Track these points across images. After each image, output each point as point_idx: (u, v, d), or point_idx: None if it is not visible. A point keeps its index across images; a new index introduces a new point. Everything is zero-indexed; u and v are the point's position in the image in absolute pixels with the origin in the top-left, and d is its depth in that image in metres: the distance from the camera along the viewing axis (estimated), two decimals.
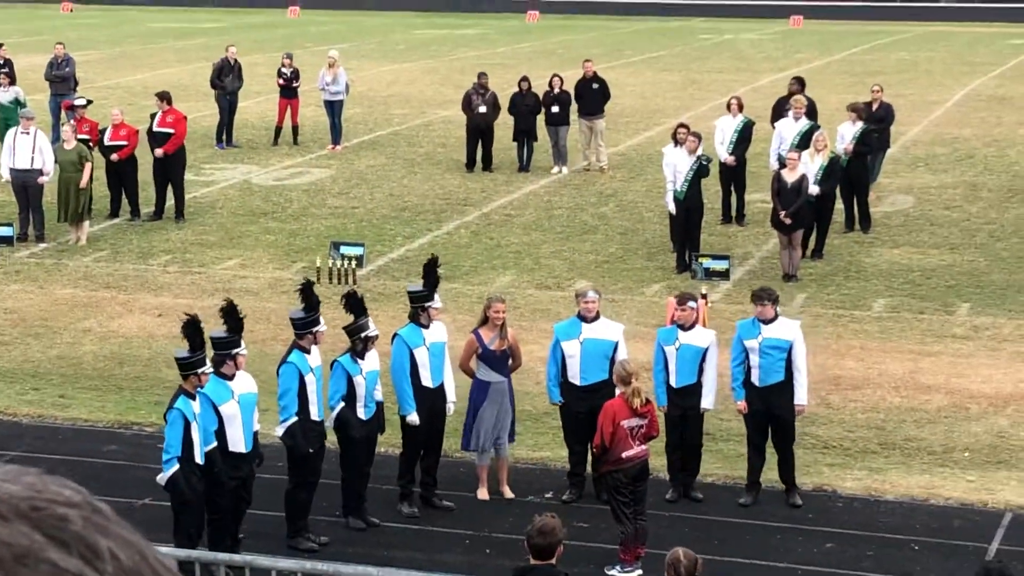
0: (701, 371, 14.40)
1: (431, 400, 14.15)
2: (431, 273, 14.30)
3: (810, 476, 14.89)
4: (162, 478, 12.34)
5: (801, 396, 14.32)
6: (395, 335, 14.21)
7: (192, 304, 20.70)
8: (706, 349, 14.41)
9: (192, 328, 12.55)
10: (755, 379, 14.32)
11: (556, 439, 15.50)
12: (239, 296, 20.66)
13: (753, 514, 14.09)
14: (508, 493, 14.55)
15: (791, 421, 14.37)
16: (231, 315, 13.02)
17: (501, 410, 14.44)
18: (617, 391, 13.37)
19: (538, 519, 9.22)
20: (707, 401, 14.46)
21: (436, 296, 14.24)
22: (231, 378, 12.83)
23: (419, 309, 14.19)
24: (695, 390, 14.38)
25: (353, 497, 13.84)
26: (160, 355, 18.77)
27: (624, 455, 12.97)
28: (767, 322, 14.32)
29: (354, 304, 13.77)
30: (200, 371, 12.44)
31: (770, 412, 14.31)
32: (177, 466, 12.18)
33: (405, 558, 13.06)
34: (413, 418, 14.01)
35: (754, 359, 14.31)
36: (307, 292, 13.65)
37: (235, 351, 12.88)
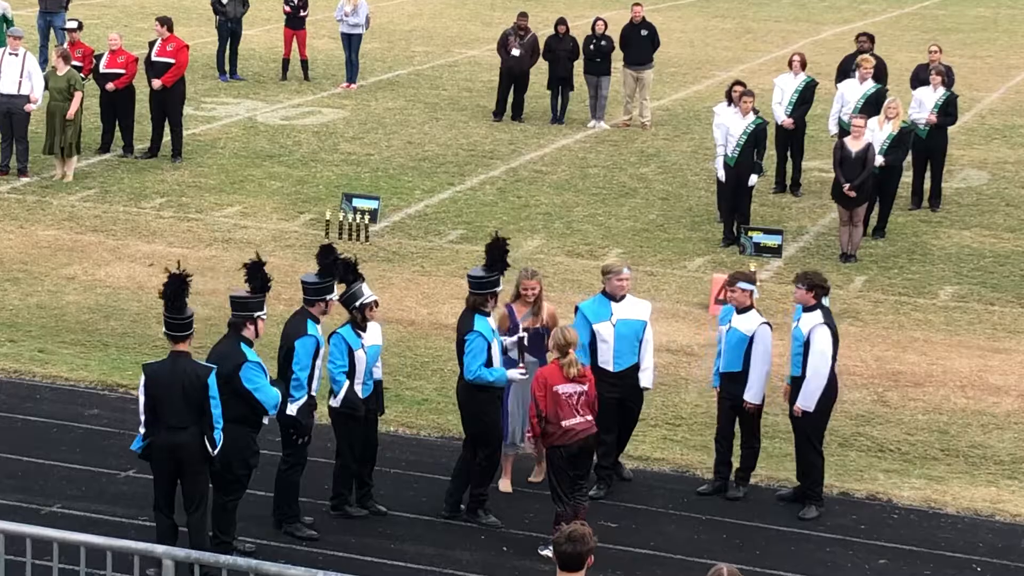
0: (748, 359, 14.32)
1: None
2: (498, 256, 13.63)
3: (864, 483, 14.81)
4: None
5: (751, 393, 14.24)
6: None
7: (187, 255, 20.68)
8: (751, 336, 14.28)
9: (256, 269, 12.80)
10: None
11: None
12: (240, 248, 20.65)
13: (801, 522, 13.98)
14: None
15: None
16: (256, 272, 12.89)
17: (525, 394, 14.16)
18: (549, 357, 13.36)
19: (567, 526, 9.10)
20: (750, 394, 14.32)
21: (500, 282, 13.65)
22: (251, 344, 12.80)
23: (487, 296, 13.57)
24: (740, 378, 14.30)
25: (348, 486, 13.65)
26: (151, 309, 18.66)
27: (565, 424, 12.96)
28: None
29: (345, 270, 13.43)
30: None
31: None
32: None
33: (415, 552, 13.02)
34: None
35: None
36: (323, 255, 13.40)
37: (256, 314, 12.73)
